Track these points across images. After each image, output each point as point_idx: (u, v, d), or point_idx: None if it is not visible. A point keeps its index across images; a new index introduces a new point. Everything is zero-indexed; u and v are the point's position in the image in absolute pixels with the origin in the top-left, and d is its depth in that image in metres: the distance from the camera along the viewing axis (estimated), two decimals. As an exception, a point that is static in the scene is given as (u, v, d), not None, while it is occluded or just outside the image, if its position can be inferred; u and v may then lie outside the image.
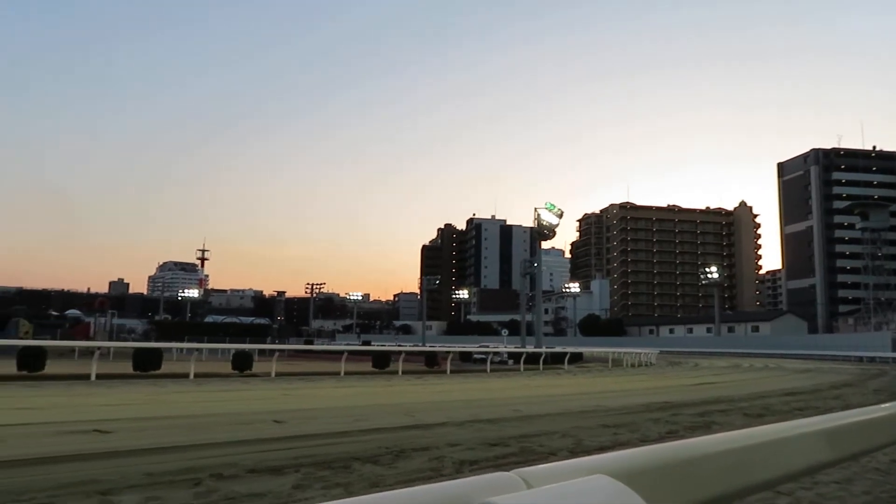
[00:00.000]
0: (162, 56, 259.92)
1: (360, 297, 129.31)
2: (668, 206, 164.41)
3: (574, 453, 8.42)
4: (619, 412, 13.55)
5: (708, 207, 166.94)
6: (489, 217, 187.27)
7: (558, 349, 45.00)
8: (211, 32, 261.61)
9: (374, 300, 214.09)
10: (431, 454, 8.14)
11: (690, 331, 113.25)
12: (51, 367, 22.23)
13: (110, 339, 47.64)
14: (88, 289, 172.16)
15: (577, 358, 44.50)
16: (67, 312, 74.84)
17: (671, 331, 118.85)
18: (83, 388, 17.10)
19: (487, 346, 46.65)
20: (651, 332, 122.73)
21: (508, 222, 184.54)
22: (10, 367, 21.47)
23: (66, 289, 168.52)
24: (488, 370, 32.73)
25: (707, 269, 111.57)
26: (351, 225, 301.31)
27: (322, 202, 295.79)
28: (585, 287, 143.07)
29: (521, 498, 1.08)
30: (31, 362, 21.82)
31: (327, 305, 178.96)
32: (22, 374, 20.73)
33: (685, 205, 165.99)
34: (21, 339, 39.51)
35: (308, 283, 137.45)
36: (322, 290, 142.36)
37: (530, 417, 12.36)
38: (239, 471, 6.86)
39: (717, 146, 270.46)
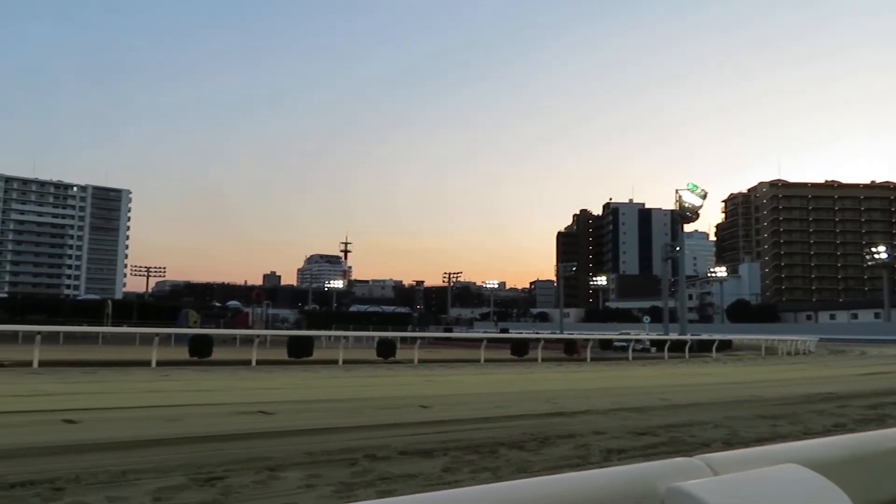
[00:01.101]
0: (303, 59, 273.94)
1: (496, 286, 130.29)
2: (826, 181, 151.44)
3: (729, 445, 8.02)
4: (776, 402, 12.74)
5: (873, 182, 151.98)
6: (626, 201, 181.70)
7: (704, 336, 42.98)
8: (344, 28, 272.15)
9: (510, 288, 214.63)
10: (577, 442, 8.07)
11: (855, 316, 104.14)
12: (216, 354, 24.20)
13: (266, 328, 51.17)
14: (245, 281, 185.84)
15: (725, 346, 42.28)
16: (228, 303, 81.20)
17: (832, 317, 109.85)
18: (246, 373, 18.48)
19: (628, 334, 45.40)
20: (808, 318, 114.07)
21: (647, 206, 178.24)
22: (183, 353, 23.61)
23: (226, 282, 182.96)
24: (630, 358, 31.87)
25: (874, 249, 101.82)
26: (486, 214, 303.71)
27: (457, 192, 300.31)
28: (733, 271, 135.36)
29: (709, 484, 1.05)
30: (200, 349, 23.89)
31: (464, 294, 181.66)
32: (193, 360, 22.72)
33: (845, 180, 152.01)
34: (190, 328, 43.41)
35: (445, 273, 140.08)
36: (459, 278, 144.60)
37: (678, 407, 11.91)
38: (391, 452, 7.16)
39: (880, 114, 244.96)
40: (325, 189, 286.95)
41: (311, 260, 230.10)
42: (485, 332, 63.54)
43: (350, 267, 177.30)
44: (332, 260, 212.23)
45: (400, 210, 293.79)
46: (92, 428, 8.39)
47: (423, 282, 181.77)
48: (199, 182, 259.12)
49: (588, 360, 29.82)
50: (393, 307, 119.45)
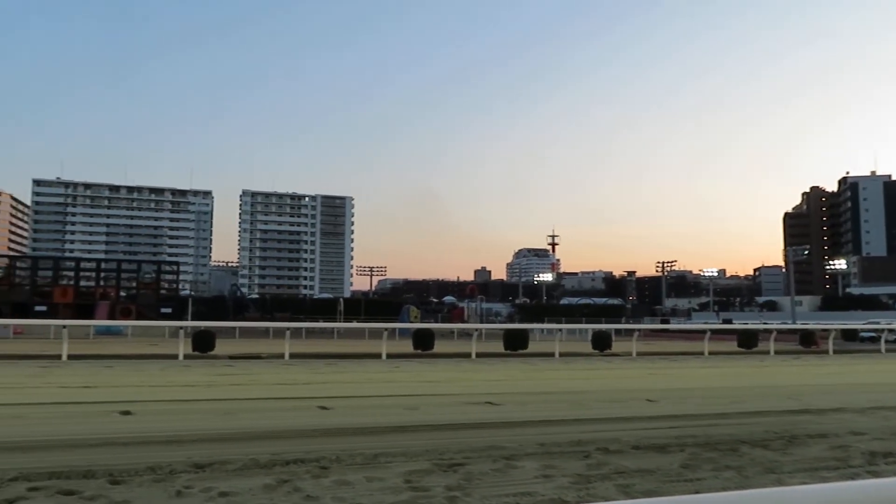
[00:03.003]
0: (517, 62, 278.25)
1: (715, 273, 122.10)
2: None
3: None
4: None
5: None
6: (867, 174, 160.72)
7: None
8: (544, 19, 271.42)
9: (731, 275, 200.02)
10: (831, 442, 7.34)
11: None
12: (437, 347, 25.45)
13: (481, 322, 52.85)
14: (458, 277, 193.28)
15: None
16: (444, 299, 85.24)
17: None
18: (468, 365, 19.25)
19: (878, 323, 40.19)
20: None
21: (894, 177, 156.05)
22: (407, 346, 25.16)
23: (440, 278, 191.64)
24: (883, 350, 28.22)
25: None
26: (699, 197, 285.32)
27: (665, 176, 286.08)
28: None
29: None
30: (423, 342, 25.31)
31: (680, 283, 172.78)
32: (417, 353, 24.13)
33: None
34: (412, 322, 46.15)
35: (658, 262, 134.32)
36: (673, 267, 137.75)
37: (955, 407, 10.33)
38: (623, 446, 7.05)
39: None
40: (531, 184, 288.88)
41: (520, 254, 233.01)
42: (705, 322, 59.95)
43: (558, 259, 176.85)
44: (539, 253, 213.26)
45: (607, 198, 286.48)
46: (343, 414, 9.27)
47: (634, 272, 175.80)
48: (414, 185, 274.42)
49: (830, 352, 26.91)
50: (604, 299, 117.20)
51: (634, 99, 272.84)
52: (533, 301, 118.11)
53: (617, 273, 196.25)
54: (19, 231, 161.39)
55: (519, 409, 10.01)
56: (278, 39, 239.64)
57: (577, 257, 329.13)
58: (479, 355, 22.44)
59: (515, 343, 25.77)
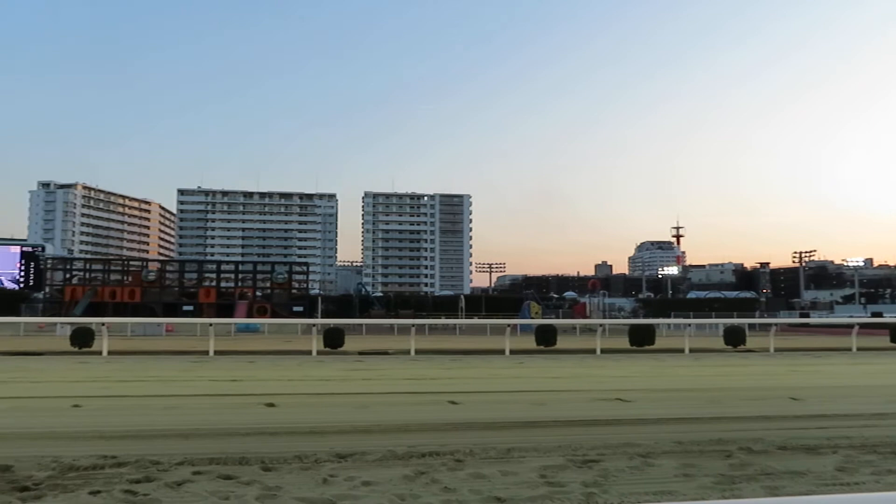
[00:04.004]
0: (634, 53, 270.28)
1: (861, 263, 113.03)
2: None
3: None
4: None
5: None
6: None
7: None
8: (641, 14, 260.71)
9: (880, 265, 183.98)
10: None
11: None
12: (560, 343, 25.17)
13: (603, 317, 51.75)
14: (578, 272, 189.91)
15: None
16: (565, 294, 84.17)
17: None
18: (593, 361, 18.91)
19: None
20: None
21: None
22: (529, 342, 25.07)
23: (559, 273, 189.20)
24: None
25: None
26: (841, 181, 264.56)
27: (801, 160, 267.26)
28: None
29: None
30: (545, 338, 25.13)
31: (820, 274, 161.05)
32: (540, 349, 23.98)
33: None
34: (533, 318, 45.95)
35: (795, 252, 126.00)
36: (812, 257, 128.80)
37: None
38: (768, 446, 6.70)
39: None
40: (652, 175, 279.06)
41: (642, 247, 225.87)
42: (850, 316, 55.54)
43: (683, 252, 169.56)
44: (663, 246, 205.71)
45: (736, 186, 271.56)
46: (472, 408, 9.40)
47: (767, 263, 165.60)
48: (531, 180, 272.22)
49: None
50: (735, 292, 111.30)
51: (770, 82, 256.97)
52: (657, 295, 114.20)
53: (748, 265, 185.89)
54: (167, 237, 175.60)
55: (651, 405, 9.73)
56: (391, 42, 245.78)
57: (704, 249, 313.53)
58: (604, 351, 22.01)
59: (642, 338, 25.02)
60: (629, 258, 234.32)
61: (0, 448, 6.47)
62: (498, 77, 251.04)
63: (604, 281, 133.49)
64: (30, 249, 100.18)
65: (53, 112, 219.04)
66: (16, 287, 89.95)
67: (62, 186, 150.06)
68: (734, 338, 25.67)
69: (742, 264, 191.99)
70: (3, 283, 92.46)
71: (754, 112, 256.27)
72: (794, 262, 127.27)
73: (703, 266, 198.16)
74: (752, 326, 30.28)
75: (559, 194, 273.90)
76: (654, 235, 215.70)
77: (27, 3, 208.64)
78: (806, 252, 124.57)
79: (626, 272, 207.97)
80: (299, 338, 30.54)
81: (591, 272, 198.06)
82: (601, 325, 25.99)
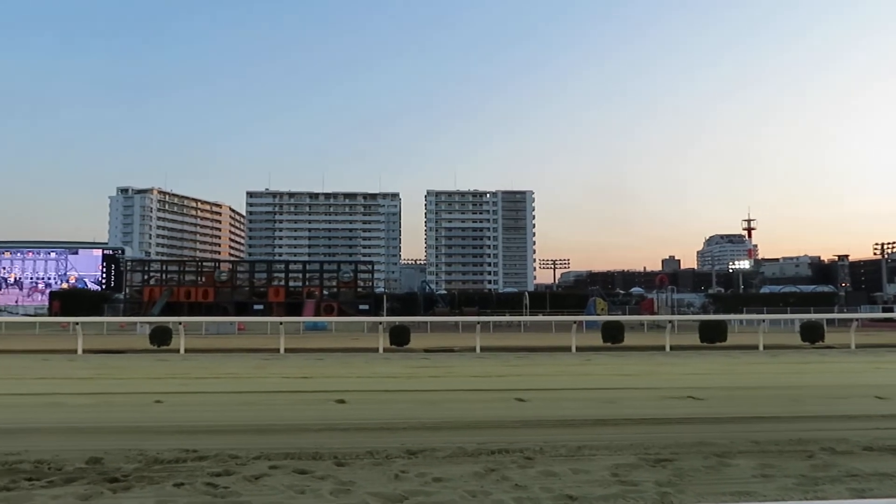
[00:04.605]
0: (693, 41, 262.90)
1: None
2: None
3: None
4: None
5: None
6: None
7: None
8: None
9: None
10: None
11: None
12: (627, 339, 24.72)
13: (672, 313, 50.58)
14: (644, 267, 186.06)
15: None
16: (632, 290, 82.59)
17: None
18: (662, 358, 18.50)
19: None
20: None
21: None
22: (595, 339, 24.72)
23: (625, 269, 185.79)
24: None
25: None
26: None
27: (881, 148, 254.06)
28: None
29: None
30: (612, 334, 24.73)
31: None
32: (607, 345, 23.62)
33: None
34: (599, 315, 45.30)
35: (876, 243, 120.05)
36: (895, 249, 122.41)
37: None
38: (852, 447, 6.43)
39: None
40: (721, 167, 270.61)
41: (711, 241, 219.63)
42: (940, 310, 52.48)
43: (755, 245, 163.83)
44: (733, 239, 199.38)
45: (811, 176, 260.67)
46: (540, 406, 9.36)
47: (846, 256, 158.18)
48: (595, 175, 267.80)
49: None
50: (812, 286, 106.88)
51: (847, 68, 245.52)
52: (728, 290, 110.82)
53: (825, 257, 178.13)
54: (237, 238, 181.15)
55: (725, 404, 9.47)
56: (452, 40, 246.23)
57: (778, 242, 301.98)
58: (673, 348, 21.50)
59: (713, 335, 24.34)
60: (698, 252, 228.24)
61: (91, 441, 6.83)
62: (559, 70, 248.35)
63: (671, 276, 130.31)
64: (110, 252, 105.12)
65: (130, 120, 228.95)
66: (98, 288, 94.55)
67: (139, 192, 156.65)
68: (812, 334, 24.65)
69: (819, 257, 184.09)
70: (86, 285, 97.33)
71: (830, 99, 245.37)
72: (875, 253, 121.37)
73: (777, 259, 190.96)
74: (830, 322, 29.04)
75: (624, 188, 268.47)
76: (724, 229, 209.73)
77: (94, 18, 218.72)
78: (889, 243, 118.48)
79: (695, 267, 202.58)
80: (365, 335, 30.99)
81: (657, 267, 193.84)
82: (670, 322, 25.39)
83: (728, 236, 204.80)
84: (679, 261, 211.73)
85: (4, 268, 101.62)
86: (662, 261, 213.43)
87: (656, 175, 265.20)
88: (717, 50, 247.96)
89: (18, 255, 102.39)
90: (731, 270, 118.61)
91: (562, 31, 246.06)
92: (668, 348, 21.38)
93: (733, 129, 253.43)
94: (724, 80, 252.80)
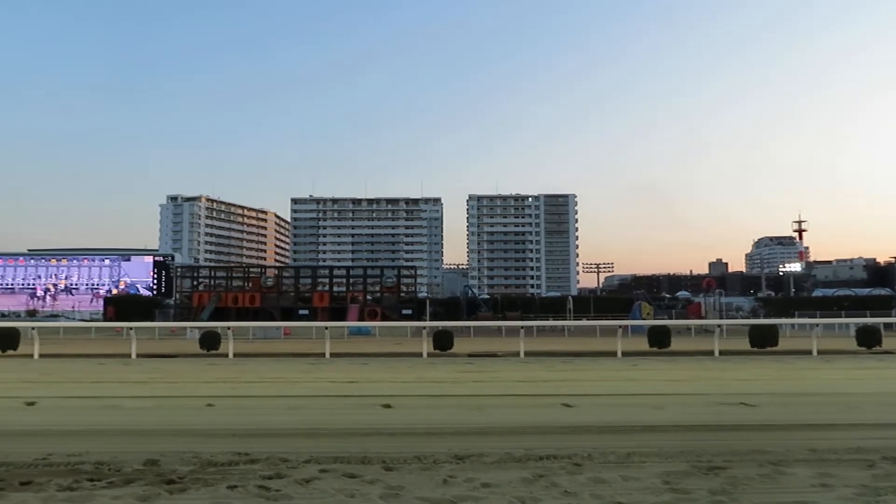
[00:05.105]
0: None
1: None
2: None
3: None
4: None
5: None
6: None
7: None
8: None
9: None
10: None
11: None
12: (675, 344, 24.27)
13: (720, 317, 49.49)
14: (690, 271, 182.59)
15: None
16: (678, 294, 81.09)
17: None
18: (711, 363, 18.13)
19: None
20: None
21: None
22: (641, 343, 24.35)
23: (670, 272, 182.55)
24: None
25: None
26: None
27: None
28: None
29: None
30: (659, 339, 24.31)
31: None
32: (653, 350, 23.24)
33: None
34: (644, 319, 44.63)
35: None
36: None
37: None
38: (919, 456, 6.19)
39: None
40: (770, 167, 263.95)
41: (760, 243, 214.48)
42: None
43: (807, 247, 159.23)
44: (784, 241, 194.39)
45: (862, 177, 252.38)
46: (587, 412, 9.27)
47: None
48: (639, 176, 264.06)
49: None
50: (867, 289, 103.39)
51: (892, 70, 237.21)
52: (779, 294, 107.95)
53: (881, 259, 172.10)
54: (282, 244, 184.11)
55: (780, 410, 9.23)
56: (492, 46, 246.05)
57: (830, 244, 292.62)
58: (722, 353, 21.06)
59: (763, 339, 23.72)
60: (746, 255, 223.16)
61: (148, 443, 7.02)
62: (604, 75, 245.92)
63: (719, 279, 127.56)
64: (161, 259, 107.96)
65: (179, 131, 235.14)
66: (150, 294, 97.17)
67: (188, 199, 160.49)
68: (868, 338, 23.85)
69: (874, 259, 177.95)
70: (138, 290, 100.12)
71: (887, 97, 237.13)
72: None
73: (830, 262, 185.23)
74: (888, 326, 28.03)
75: (668, 190, 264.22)
76: (774, 231, 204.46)
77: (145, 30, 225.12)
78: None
79: (743, 270, 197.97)
80: (409, 340, 31.14)
81: (704, 271, 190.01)
82: (719, 326, 24.87)
83: (778, 238, 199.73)
84: (726, 264, 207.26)
85: (61, 275, 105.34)
86: (709, 264, 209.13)
87: (702, 176, 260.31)
88: (767, 52, 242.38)
89: (75, 262, 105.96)
90: (781, 273, 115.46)
91: (604, 36, 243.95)
92: (716, 353, 20.96)
93: (783, 129, 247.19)
94: (772, 80, 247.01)
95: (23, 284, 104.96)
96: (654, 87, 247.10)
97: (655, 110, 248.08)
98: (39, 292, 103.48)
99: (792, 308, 65.06)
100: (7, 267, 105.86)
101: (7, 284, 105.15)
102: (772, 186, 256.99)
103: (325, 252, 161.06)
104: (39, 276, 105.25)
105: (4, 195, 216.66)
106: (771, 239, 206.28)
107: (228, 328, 22.71)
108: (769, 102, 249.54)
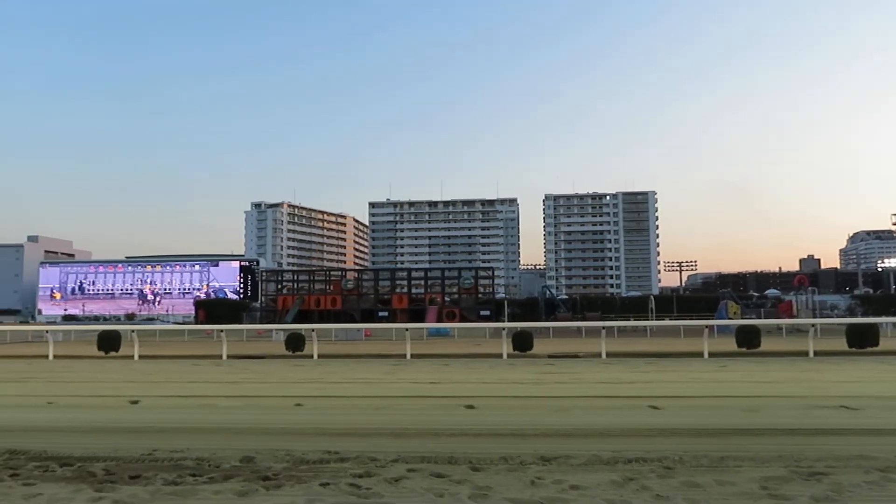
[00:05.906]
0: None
1: None
2: None
3: None
4: None
5: None
6: None
7: None
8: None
9: None
10: None
11: None
12: (765, 344, 23.30)
13: (814, 316, 47.14)
14: (779, 268, 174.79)
15: None
16: (767, 292, 77.79)
17: None
18: (805, 364, 17.31)
19: None
20: None
21: None
22: (728, 344, 23.51)
23: (758, 270, 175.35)
24: None
25: None
26: None
27: None
28: None
29: None
30: (748, 339, 23.40)
31: None
32: (741, 351, 22.38)
33: None
34: (731, 319, 43.02)
35: None
36: None
37: None
38: None
39: None
40: (865, 157, 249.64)
41: (856, 238, 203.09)
42: None
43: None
44: (882, 236, 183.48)
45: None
46: (676, 414, 9.02)
47: None
48: (722, 171, 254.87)
49: None
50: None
51: None
52: (878, 291, 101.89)
53: None
54: (361, 247, 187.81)
55: (885, 414, 8.73)
56: (568, 42, 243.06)
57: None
58: (817, 353, 20.06)
59: (862, 339, 22.45)
60: (840, 251, 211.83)
61: (243, 441, 7.32)
62: (681, 66, 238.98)
63: (811, 276, 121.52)
64: (246, 264, 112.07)
65: (259, 138, 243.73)
66: (237, 297, 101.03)
67: (271, 206, 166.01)
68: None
69: None
70: (226, 294, 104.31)
71: None
72: None
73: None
74: None
75: (754, 184, 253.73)
76: (871, 224, 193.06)
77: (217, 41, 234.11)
78: None
79: (837, 266, 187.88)
80: (487, 341, 31.13)
81: (794, 267, 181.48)
82: (813, 326, 23.71)
83: (876, 232, 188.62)
84: (819, 260, 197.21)
85: (156, 281, 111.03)
86: (800, 260, 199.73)
87: (790, 169, 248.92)
88: (865, 33, 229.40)
89: (168, 268, 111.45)
90: (880, 269, 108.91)
91: (683, 19, 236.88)
92: (811, 354, 19.99)
93: (880, 117, 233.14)
94: (861, 64, 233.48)
95: (122, 290, 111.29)
96: (730, 75, 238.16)
97: (743, 102, 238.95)
98: (150, 296, 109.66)
99: (893, 306, 61.30)
100: (108, 274, 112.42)
101: (108, 290, 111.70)
102: (869, 176, 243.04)
103: (402, 254, 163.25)
104: (138, 281, 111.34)
105: (102, 204, 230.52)
106: (868, 233, 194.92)
107: (312, 330, 23.32)
108: (867, 94, 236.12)
